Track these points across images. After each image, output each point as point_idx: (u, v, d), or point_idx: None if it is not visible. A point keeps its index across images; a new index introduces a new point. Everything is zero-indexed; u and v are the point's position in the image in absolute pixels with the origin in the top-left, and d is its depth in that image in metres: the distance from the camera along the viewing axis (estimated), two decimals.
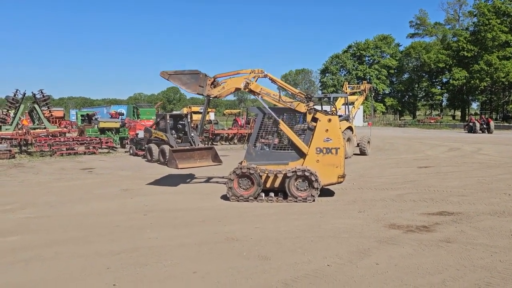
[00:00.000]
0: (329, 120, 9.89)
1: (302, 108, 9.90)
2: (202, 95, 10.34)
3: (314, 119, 9.87)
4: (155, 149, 17.96)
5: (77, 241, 6.83)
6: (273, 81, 10.33)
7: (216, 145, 25.36)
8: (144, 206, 9.33)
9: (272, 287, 4.95)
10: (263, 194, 9.84)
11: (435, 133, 44.06)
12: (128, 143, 23.31)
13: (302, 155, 9.88)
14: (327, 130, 9.81)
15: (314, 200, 9.62)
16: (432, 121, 66.69)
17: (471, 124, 43.51)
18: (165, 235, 7.12)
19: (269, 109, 10.14)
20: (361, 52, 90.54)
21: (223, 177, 12.42)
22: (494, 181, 12.51)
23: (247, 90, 10.12)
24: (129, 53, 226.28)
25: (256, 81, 10.16)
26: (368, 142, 20.92)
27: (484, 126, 42.34)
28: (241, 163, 10.07)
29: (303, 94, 10.17)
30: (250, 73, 10.18)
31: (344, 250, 6.29)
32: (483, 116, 45.37)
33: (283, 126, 9.90)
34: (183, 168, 15.37)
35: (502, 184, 11.97)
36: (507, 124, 55.70)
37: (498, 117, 72.87)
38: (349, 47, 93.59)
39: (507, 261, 5.76)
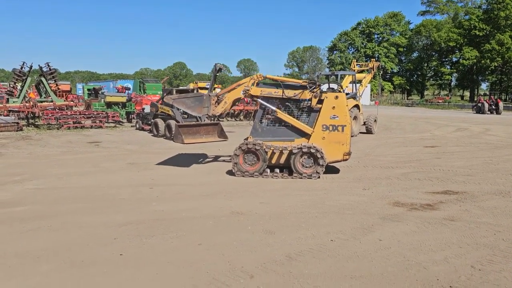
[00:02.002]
0: (336, 97, 9.82)
1: (307, 95, 9.83)
2: (208, 115, 10.31)
3: (320, 101, 9.81)
4: (161, 124, 18.02)
5: (84, 212, 6.94)
6: (273, 80, 10.27)
7: (222, 121, 25.36)
8: (150, 180, 9.42)
9: (276, 260, 5.03)
10: (268, 170, 9.89)
11: (442, 113, 43.72)
12: (135, 117, 23.37)
13: (307, 136, 9.88)
14: (334, 107, 9.76)
15: (319, 177, 9.65)
16: (440, 101, 66.11)
17: (479, 104, 43.09)
18: (170, 208, 7.21)
19: (265, 103, 10.03)
20: (370, 29, 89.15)
21: (229, 156, 12.46)
22: (500, 161, 12.46)
23: (248, 96, 10.12)
24: (136, 27, 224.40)
25: (256, 85, 10.10)
26: (375, 120, 20.83)
27: (493, 106, 41.90)
28: (246, 139, 10.09)
29: (307, 82, 10.06)
30: (250, 80, 10.21)
31: (347, 226, 6.35)
32: (492, 96, 44.81)
33: (282, 115, 9.92)
34: (189, 143, 15.38)
35: (509, 164, 11.92)
36: None
37: (507, 98, 72.05)
38: (358, 24, 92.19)
39: (510, 240, 5.79)
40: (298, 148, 9.67)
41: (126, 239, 5.70)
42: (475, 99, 58.98)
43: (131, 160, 12.10)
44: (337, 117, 9.75)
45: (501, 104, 42.26)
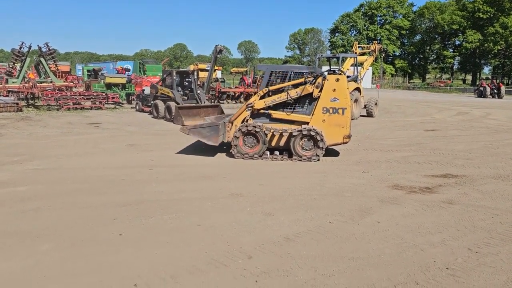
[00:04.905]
0: (337, 79, 9.75)
1: (308, 90, 9.76)
2: (224, 141, 10.29)
3: (321, 89, 9.73)
4: (161, 105, 17.94)
5: (84, 192, 6.96)
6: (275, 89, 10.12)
7: (223, 103, 25.26)
8: (150, 161, 9.43)
9: (275, 241, 5.06)
10: (268, 152, 9.89)
11: (444, 96, 43.53)
12: (134, 99, 23.28)
13: (306, 123, 9.85)
14: (334, 89, 9.70)
15: (318, 160, 9.66)
16: (441, 84, 65.70)
17: (481, 88, 42.83)
18: (170, 189, 7.23)
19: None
20: (373, 11, 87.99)
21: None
22: (501, 145, 12.45)
23: (255, 112, 10.07)
24: (136, 8, 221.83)
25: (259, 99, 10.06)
26: (376, 104, 20.74)
27: (495, 91, 41.64)
28: (246, 120, 10.07)
29: (305, 78, 9.93)
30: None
31: (346, 208, 6.37)
32: (494, 80, 44.44)
33: (278, 114, 9.95)
34: (188, 124, 15.41)
35: (509, 149, 11.91)
36: None
37: (510, 82, 71.59)
38: (361, 6, 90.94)
39: (507, 223, 5.82)
40: (298, 131, 9.65)
41: (125, 219, 5.73)
42: (477, 83, 58.63)
43: (131, 141, 12.10)
44: (338, 99, 9.70)
45: (503, 88, 41.96)
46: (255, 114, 10.15)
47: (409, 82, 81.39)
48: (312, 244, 5.01)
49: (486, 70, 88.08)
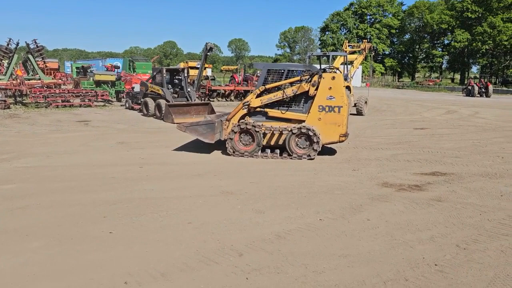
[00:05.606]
0: (333, 78, 9.74)
1: (304, 88, 9.76)
2: (220, 139, 10.28)
3: (317, 87, 9.75)
4: (151, 103, 17.86)
5: (73, 190, 6.91)
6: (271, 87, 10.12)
7: (213, 101, 25.24)
8: (140, 159, 9.39)
9: (265, 239, 5.07)
10: (268, 151, 9.91)
11: (433, 95, 43.90)
12: (124, 96, 23.13)
13: (302, 121, 9.87)
14: (330, 88, 9.69)
15: (313, 158, 9.66)
16: (430, 83, 66.24)
17: (469, 87, 43.28)
18: (160, 187, 7.21)
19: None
20: (363, 10, 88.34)
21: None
22: (488, 144, 12.61)
23: (252, 110, 10.07)
24: (125, 5, 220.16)
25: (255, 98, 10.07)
26: (365, 102, 20.87)
27: (483, 90, 42.11)
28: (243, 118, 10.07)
29: (301, 76, 9.93)
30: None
31: (336, 206, 6.41)
32: (482, 80, 44.93)
33: (274, 112, 9.95)
34: (179, 123, 15.35)
35: (496, 147, 12.07)
36: (506, 89, 55.38)
37: (497, 82, 72.39)
38: (351, 4, 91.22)
39: (495, 220, 5.91)
40: (293, 129, 9.64)
41: (115, 217, 5.71)
42: (465, 82, 59.17)
43: (121, 139, 12.03)
44: (334, 98, 9.69)
45: (490, 87, 42.42)
46: (252, 112, 10.12)
47: (398, 81, 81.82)
48: (303, 241, 5.04)
49: (475, 69, 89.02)
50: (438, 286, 4.05)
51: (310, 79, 9.73)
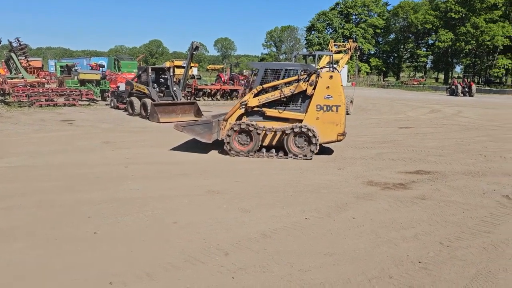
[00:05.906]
0: (331, 77, 9.76)
1: (302, 87, 9.76)
2: (218, 139, 10.24)
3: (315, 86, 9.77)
4: (136, 102, 17.71)
5: (58, 190, 6.82)
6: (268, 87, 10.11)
7: (199, 100, 25.13)
8: (126, 159, 9.31)
9: (251, 238, 5.08)
10: (264, 150, 9.91)
11: (417, 95, 44.41)
12: (109, 95, 22.88)
13: (300, 121, 9.88)
14: (328, 87, 9.70)
15: (311, 158, 9.67)
16: (415, 83, 67.00)
17: (453, 87, 43.92)
18: (146, 187, 7.16)
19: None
20: (349, 10, 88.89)
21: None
22: (471, 142, 12.81)
23: (250, 110, 10.03)
24: (110, 3, 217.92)
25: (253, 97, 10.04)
26: (351, 102, 21.01)
27: (466, 89, 42.78)
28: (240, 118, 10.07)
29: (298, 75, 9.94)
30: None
31: (322, 204, 6.45)
32: (465, 79, 45.66)
33: (272, 112, 9.94)
34: (164, 122, 15.29)
35: (479, 146, 12.27)
36: (489, 88, 56.34)
37: (480, 81, 73.54)
38: (337, 4, 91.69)
39: (477, 218, 6.01)
40: (290, 129, 9.66)
41: (100, 217, 5.66)
42: (449, 81, 60.00)
43: (106, 138, 11.91)
44: (331, 97, 9.72)
45: (473, 87, 43.14)
46: (249, 112, 10.09)
47: (383, 80, 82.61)
48: (289, 240, 5.06)
49: (458, 69, 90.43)
50: (422, 283, 4.10)
51: (308, 78, 9.74)
